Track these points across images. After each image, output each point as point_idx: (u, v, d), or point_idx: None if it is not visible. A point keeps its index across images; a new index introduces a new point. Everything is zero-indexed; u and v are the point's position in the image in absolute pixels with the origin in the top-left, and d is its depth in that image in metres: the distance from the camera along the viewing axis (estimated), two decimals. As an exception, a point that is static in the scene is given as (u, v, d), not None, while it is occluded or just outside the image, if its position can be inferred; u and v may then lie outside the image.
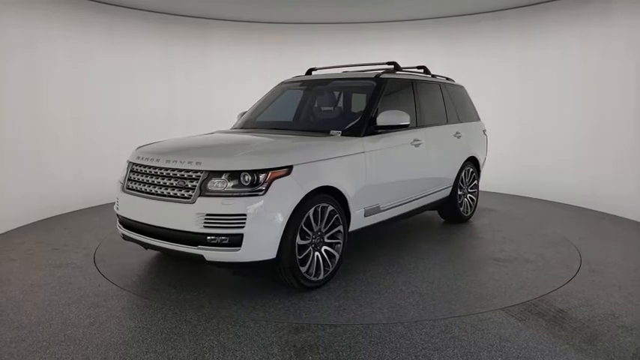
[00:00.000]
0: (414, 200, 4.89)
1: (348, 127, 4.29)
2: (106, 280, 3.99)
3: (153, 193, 3.65)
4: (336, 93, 5.05)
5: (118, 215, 4.02)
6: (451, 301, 3.57)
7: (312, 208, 3.62)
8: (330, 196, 3.79)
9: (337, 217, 3.84)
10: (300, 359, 2.77)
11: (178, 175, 3.55)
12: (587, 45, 6.69)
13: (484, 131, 6.36)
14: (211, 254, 3.37)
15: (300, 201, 3.50)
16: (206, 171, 3.44)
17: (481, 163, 6.22)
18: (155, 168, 3.71)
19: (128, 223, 3.89)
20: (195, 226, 3.34)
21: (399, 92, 4.93)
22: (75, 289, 3.79)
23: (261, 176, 3.39)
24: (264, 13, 7.75)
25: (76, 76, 6.60)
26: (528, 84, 7.44)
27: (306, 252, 3.65)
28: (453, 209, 5.75)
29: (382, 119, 4.25)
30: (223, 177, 3.39)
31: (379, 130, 4.33)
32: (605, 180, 6.52)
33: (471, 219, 6.06)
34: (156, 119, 7.52)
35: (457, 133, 5.63)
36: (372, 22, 8.38)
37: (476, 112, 6.33)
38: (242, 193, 3.34)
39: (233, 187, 3.36)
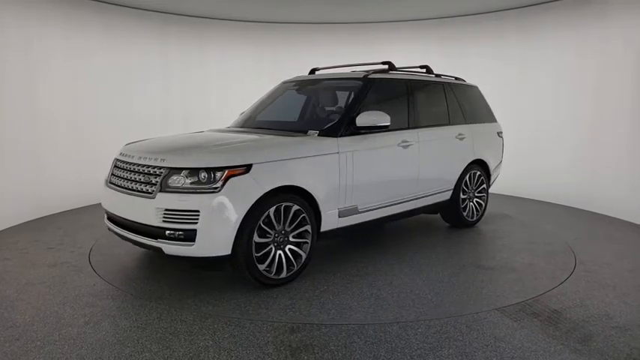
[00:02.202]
0: (401, 203, 4.76)
1: (326, 127, 4.24)
2: (101, 279, 3.98)
3: (126, 188, 3.78)
4: (326, 93, 5.01)
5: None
6: (403, 307, 3.48)
7: (274, 207, 3.63)
8: (296, 195, 3.79)
9: (304, 217, 3.83)
10: (296, 359, 2.77)
11: (146, 171, 3.66)
12: (585, 45, 6.71)
13: (499, 133, 6.10)
14: (169, 248, 3.48)
15: (259, 199, 3.52)
16: (167, 167, 3.54)
17: (491, 166, 5.90)
18: (130, 164, 3.84)
19: (109, 216, 4.03)
20: (156, 220, 3.45)
21: (390, 92, 4.85)
22: (70, 288, 3.78)
23: (218, 174, 3.45)
24: (265, 12, 7.74)
25: (75, 76, 6.57)
26: (528, 84, 7.44)
27: (266, 250, 3.66)
28: (455, 213, 5.53)
29: (361, 120, 4.20)
30: (182, 174, 3.48)
31: (362, 131, 4.28)
32: (604, 180, 6.53)
33: (477, 224, 5.83)
34: (153, 118, 7.50)
35: (460, 134, 5.42)
36: (373, 22, 8.38)
37: (490, 114, 6.08)
38: (198, 190, 3.42)
39: (191, 183, 3.46)
